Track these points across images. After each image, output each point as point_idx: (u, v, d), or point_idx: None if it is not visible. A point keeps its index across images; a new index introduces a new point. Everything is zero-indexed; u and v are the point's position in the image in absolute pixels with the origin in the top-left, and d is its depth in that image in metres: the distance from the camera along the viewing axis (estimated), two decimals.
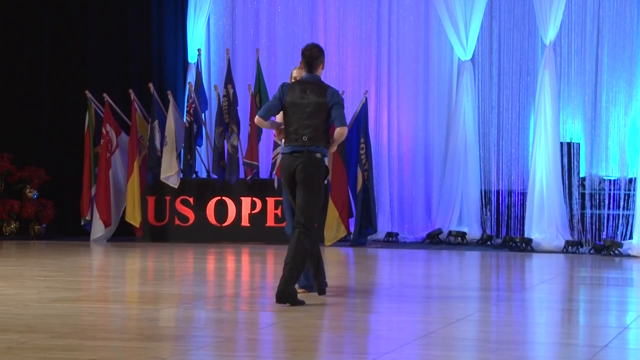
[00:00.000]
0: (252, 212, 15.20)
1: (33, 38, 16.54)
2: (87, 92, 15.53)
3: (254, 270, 12.17)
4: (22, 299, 8.61)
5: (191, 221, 15.29)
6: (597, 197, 14.60)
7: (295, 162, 8.60)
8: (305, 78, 8.82)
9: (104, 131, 15.35)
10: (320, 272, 8.91)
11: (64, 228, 16.21)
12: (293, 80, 9.00)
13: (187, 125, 15.24)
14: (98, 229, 15.26)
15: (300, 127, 8.61)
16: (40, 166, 16.15)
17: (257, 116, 8.76)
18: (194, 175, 15.48)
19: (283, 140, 8.81)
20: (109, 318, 7.78)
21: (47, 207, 16.04)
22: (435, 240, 15.13)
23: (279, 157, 14.84)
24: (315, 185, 8.61)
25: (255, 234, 15.12)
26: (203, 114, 15.61)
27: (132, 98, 15.39)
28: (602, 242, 13.94)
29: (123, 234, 15.47)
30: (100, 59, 16.36)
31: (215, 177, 15.24)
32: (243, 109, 15.49)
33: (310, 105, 8.64)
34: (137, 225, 15.20)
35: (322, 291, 8.93)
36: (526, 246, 14.14)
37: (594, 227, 14.48)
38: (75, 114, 16.10)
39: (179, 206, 15.30)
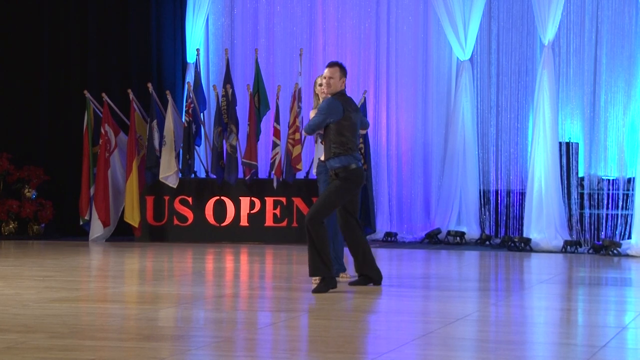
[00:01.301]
0: (251, 212, 15.20)
1: (33, 38, 16.53)
2: (85, 92, 15.52)
3: (252, 270, 12.16)
4: (21, 299, 8.61)
5: (190, 221, 15.29)
6: (596, 197, 14.60)
7: None
8: (343, 93, 9.45)
9: (102, 131, 15.34)
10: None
11: (63, 228, 16.21)
12: (340, 95, 9.43)
13: (185, 125, 15.23)
14: (97, 229, 15.26)
15: (357, 141, 9.45)
16: (39, 166, 16.15)
17: (305, 131, 9.57)
18: (193, 175, 15.47)
19: (346, 151, 9.28)
20: (108, 318, 7.77)
21: (46, 207, 16.03)
22: (434, 240, 15.13)
23: (278, 157, 15.03)
24: None
25: (254, 233, 15.12)
26: (202, 114, 15.61)
27: (130, 98, 15.39)
28: (600, 242, 13.93)
29: (122, 234, 15.47)
30: (99, 59, 16.35)
31: (214, 177, 15.23)
32: (242, 109, 15.49)
33: (358, 120, 9.50)
34: (136, 225, 15.20)
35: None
36: (525, 246, 14.14)
37: (592, 227, 14.48)
38: (74, 114, 16.10)
39: (178, 206, 15.30)
